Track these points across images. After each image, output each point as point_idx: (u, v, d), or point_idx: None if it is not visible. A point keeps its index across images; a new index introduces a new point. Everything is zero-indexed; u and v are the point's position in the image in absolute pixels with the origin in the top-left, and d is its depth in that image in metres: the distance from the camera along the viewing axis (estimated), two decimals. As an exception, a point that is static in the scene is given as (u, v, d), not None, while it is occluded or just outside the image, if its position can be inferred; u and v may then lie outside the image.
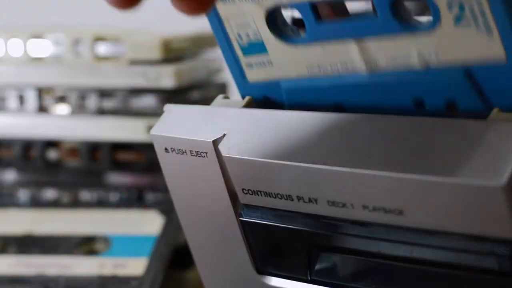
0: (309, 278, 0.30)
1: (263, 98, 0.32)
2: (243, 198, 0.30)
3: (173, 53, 0.48)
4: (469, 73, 0.26)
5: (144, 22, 0.49)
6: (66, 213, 0.47)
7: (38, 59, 0.49)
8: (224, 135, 0.29)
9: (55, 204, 0.49)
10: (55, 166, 0.50)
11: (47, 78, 0.49)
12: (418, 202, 0.25)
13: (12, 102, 0.50)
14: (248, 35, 0.30)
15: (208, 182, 0.30)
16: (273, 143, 0.28)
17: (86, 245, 0.44)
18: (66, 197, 0.49)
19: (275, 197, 0.28)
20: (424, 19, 0.27)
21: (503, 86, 0.26)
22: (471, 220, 0.24)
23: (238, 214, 0.30)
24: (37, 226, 0.46)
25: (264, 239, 0.31)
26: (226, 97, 0.32)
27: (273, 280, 0.31)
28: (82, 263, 0.43)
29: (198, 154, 0.30)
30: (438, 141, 0.25)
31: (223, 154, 0.29)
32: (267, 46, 0.30)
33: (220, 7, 0.30)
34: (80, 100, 0.49)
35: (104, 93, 0.48)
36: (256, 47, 0.30)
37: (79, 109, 0.49)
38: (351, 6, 0.30)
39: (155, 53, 0.47)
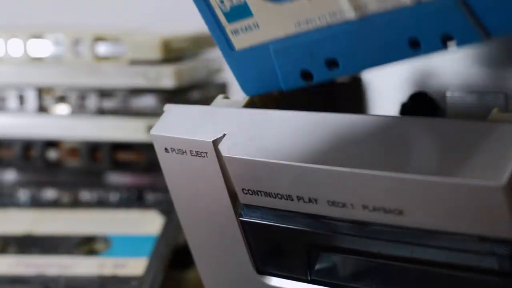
0: (309, 278, 0.30)
1: (257, 74, 0.30)
2: (243, 198, 0.30)
3: (173, 53, 0.48)
4: None
5: (144, 22, 0.49)
6: (66, 213, 0.47)
7: (38, 59, 0.49)
8: (224, 135, 0.29)
9: (55, 204, 0.49)
10: (55, 166, 0.50)
11: (47, 78, 0.49)
12: (418, 202, 0.25)
13: (12, 102, 0.50)
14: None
15: (208, 182, 0.30)
16: (273, 143, 0.28)
17: (86, 245, 0.44)
18: (66, 197, 0.49)
19: (275, 197, 0.28)
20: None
21: (499, 8, 0.25)
22: (471, 220, 0.24)
23: (238, 214, 0.30)
24: (37, 226, 0.46)
25: (264, 239, 0.31)
26: (226, 97, 0.32)
27: (273, 280, 0.31)
28: (82, 263, 0.43)
29: (198, 154, 0.30)
30: (438, 141, 0.25)
31: (223, 154, 0.29)
32: (251, 8, 0.29)
33: None
34: (80, 100, 0.49)
35: (104, 93, 0.48)
36: (240, 11, 0.29)
37: (79, 109, 0.49)
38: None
39: (155, 53, 0.47)
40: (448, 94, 0.34)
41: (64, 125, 0.49)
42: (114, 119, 0.48)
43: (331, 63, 0.29)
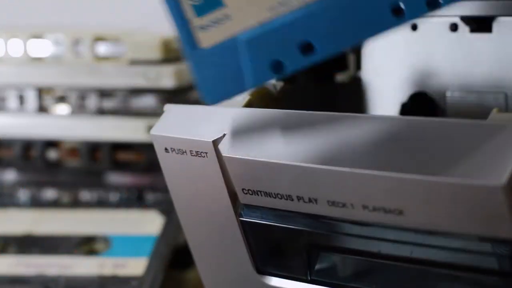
0: (309, 278, 0.30)
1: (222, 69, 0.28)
2: (243, 198, 0.30)
3: (173, 53, 0.48)
4: None
5: (144, 22, 0.49)
6: (66, 213, 0.47)
7: (38, 59, 0.49)
8: (224, 135, 0.29)
9: (55, 204, 0.49)
10: (55, 166, 0.50)
11: (47, 78, 0.49)
12: (418, 202, 0.25)
13: (12, 102, 0.50)
14: None
15: (208, 182, 0.30)
16: (273, 143, 0.28)
17: (86, 245, 0.44)
18: (66, 197, 0.49)
19: (275, 197, 0.28)
20: None
21: None
22: (471, 220, 0.24)
23: (238, 214, 0.30)
24: (37, 226, 0.46)
25: (264, 239, 0.31)
26: (226, 97, 0.32)
27: (273, 280, 0.31)
28: (82, 263, 0.43)
29: (198, 154, 0.30)
30: (438, 141, 0.25)
31: (223, 154, 0.29)
32: None
33: None
34: (80, 100, 0.49)
35: (104, 93, 0.48)
36: (211, 2, 0.28)
37: (79, 109, 0.49)
38: None
39: (155, 53, 0.47)
40: (448, 94, 0.34)
41: (64, 125, 0.49)
42: (114, 119, 0.48)
43: (306, 48, 0.27)
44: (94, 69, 0.48)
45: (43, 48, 0.49)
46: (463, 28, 0.33)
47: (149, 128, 0.42)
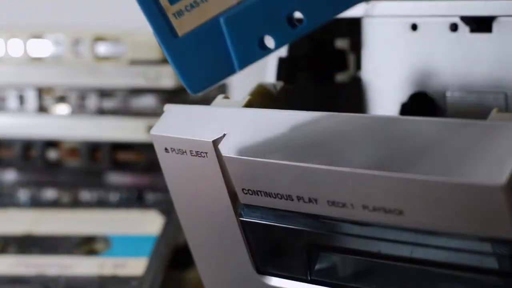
0: (309, 278, 0.30)
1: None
2: (243, 198, 0.30)
3: (173, 53, 0.48)
4: None
5: (144, 22, 0.49)
6: (66, 213, 0.47)
7: (38, 59, 0.49)
8: (224, 135, 0.29)
9: (55, 204, 0.49)
10: (55, 166, 0.50)
11: (47, 78, 0.49)
12: (418, 202, 0.25)
13: (12, 102, 0.50)
14: None
15: (208, 182, 0.30)
16: (273, 143, 0.28)
17: (86, 245, 0.44)
18: (66, 197, 0.49)
19: (275, 197, 0.28)
20: None
21: None
22: (471, 220, 0.24)
23: (238, 214, 0.30)
24: (37, 226, 0.46)
25: (264, 239, 0.31)
26: (226, 97, 0.32)
27: (273, 280, 0.31)
28: (82, 263, 0.43)
29: (198, 154, 0.30)
30: (438, 141, 0.25)
31: (223, 154, 0.29)
32: None
33: None
34: (80, 100, 0.49)
35: (104, 93, 0.48)
36: None
37: (79, 109, 0.49)
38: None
39: (155, 53, 0.47)
40: (448, 94, 0.34)
41: (64, 125, 0.49)
42: (114, 119, 0.48)
43: (294, 20, 0.26)
44: (94, 69, 0.48)
45: (43, 48, 0.49)
46: (463, 28, 0.33)
47: (149, 128, 0.42)
